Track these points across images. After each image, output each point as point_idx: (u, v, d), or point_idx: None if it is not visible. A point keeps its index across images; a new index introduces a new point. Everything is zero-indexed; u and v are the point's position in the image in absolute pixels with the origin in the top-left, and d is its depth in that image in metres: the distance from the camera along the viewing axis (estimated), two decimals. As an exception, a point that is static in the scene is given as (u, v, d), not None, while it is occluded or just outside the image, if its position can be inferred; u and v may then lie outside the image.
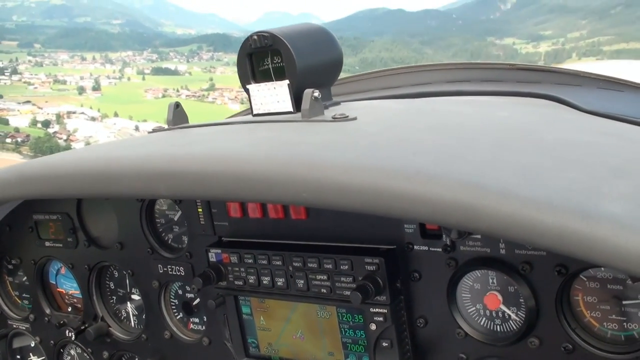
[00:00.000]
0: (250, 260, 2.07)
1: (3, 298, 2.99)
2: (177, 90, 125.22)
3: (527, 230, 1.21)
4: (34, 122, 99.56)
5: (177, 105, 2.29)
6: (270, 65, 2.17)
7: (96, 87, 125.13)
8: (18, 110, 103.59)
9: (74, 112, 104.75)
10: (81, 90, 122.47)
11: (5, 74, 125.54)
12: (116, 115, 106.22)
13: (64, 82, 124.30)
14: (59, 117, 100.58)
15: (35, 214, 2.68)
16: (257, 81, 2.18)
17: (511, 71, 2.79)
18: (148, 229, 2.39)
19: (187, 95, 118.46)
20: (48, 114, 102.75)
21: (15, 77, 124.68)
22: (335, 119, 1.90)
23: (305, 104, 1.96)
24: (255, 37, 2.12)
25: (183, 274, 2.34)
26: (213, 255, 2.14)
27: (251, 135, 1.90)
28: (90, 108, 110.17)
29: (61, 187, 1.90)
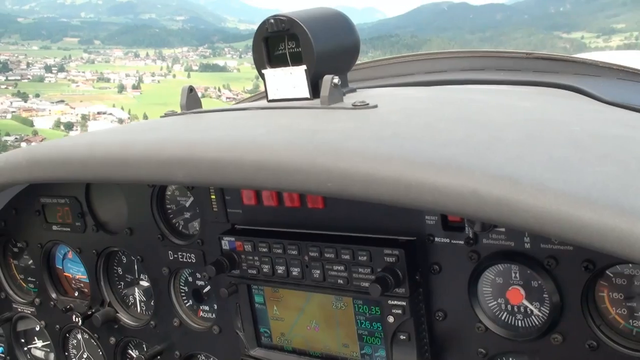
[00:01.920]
0: (265, 249, 2.03)
1: (8, 281, 2.96)
2: (219, 90, 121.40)
3: (563, 226, 1.18)
4: (57, 124, 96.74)
5: (191, 89, 2.24)
6: (286, 50, 2.12)
7: (136, 86, 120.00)
8: (49, 110, 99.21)
9: (104, 113, 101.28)
10: (121, 88, 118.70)
11: (53, 71, 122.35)
12: (145, 117, 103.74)
13: (108, 80, 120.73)
14: (84, 118, 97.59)
15: (43, 197, 2.63)
16: (272, 66, 2.13)
17: (528, 60, 2.74)
18: (159, 214, 2.35)
19: (227, 98, 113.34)
20: (77, 114, 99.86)
21: (62, 75, 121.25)
22: (355, 106, 1.85)
23: (325, 90, 1.92)
24: (272, 20, 2.07)
25: (194, 261, 2.30)
26: (226, 243, 2.10)
27: (270, 122, 1.85)
28: (122, 109, 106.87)
29: (73, 171, 1.86)
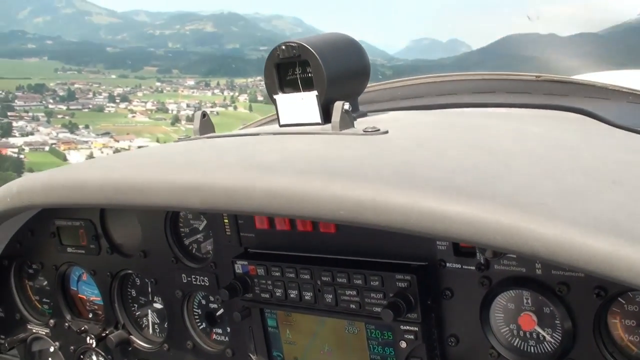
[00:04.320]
0: (278, 273, 2.05)
1: (23, 302, 2.98)
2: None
3: (574, 255, 1.19)
4: (89, 158, 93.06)
5: (204, 114, 2.28)
6: (298, 76, 2.15)
7: (191, 118, 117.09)
8: (90, 143, 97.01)
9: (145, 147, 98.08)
10: (175, 120, 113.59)
11: (117, 100, 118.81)
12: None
13: (166, 111, 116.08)
14: (115, 154, 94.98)
15: (58, 220, 2.66)
16: (284, 91, 2.17)
17: (537, 83, 2.76)
18: (172, 238, 2.37)
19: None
20: (117, 148, 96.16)
21: (124, 105, 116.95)
22: (366, 132, 1.88)
23: (336, 116, 1.94)
24: (284, 47, 2.10)
25: (207, 285, 2.32)
26: (239, 266, 2.12)
27: (283, 148, 1.88)
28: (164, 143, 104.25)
29: (89, 196, 1.89)
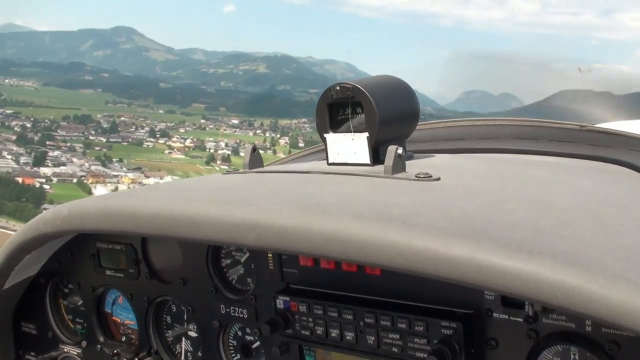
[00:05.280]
0: (320, 312, 2.05)
1: (56, 321, 3.01)
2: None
3: (638, 320, 1.19)
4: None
5: (254, 149, 2.32)
6: (349, 116, 2.19)
7: (226, 158, 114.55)
8: (120, 178, 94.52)
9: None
10: (210, 159, 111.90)
11: (156, 136, 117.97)
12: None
13: (204, 149, 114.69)
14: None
15: (99, 242, 2.70)
16: (334, 131, 2.20)
17: (581, 132, 2.77)
18: (213, 268, 2.39)
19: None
20: (144, 185, 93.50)
21: (163, 140, 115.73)
22: (419, 178, 1.90)
23: (389, 160, 1.97)
24: (338, 87, 2.15)
25: (246, 317, 2.33)
26: (281, 302, 2.14)
27: (337, 189, 1.90)
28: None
29: (142, 226, 1.92)
